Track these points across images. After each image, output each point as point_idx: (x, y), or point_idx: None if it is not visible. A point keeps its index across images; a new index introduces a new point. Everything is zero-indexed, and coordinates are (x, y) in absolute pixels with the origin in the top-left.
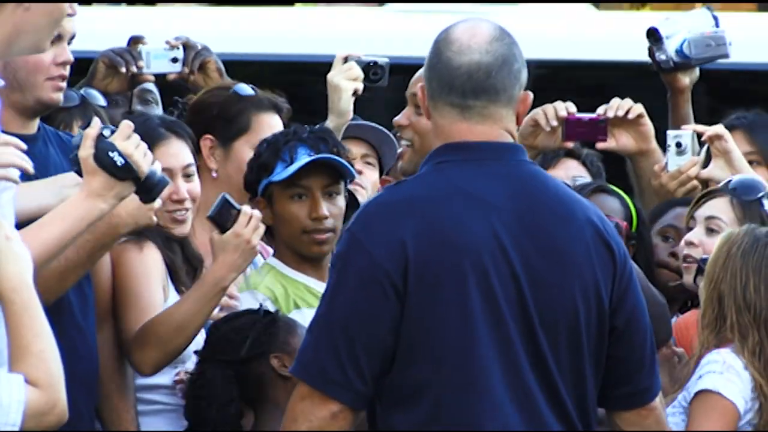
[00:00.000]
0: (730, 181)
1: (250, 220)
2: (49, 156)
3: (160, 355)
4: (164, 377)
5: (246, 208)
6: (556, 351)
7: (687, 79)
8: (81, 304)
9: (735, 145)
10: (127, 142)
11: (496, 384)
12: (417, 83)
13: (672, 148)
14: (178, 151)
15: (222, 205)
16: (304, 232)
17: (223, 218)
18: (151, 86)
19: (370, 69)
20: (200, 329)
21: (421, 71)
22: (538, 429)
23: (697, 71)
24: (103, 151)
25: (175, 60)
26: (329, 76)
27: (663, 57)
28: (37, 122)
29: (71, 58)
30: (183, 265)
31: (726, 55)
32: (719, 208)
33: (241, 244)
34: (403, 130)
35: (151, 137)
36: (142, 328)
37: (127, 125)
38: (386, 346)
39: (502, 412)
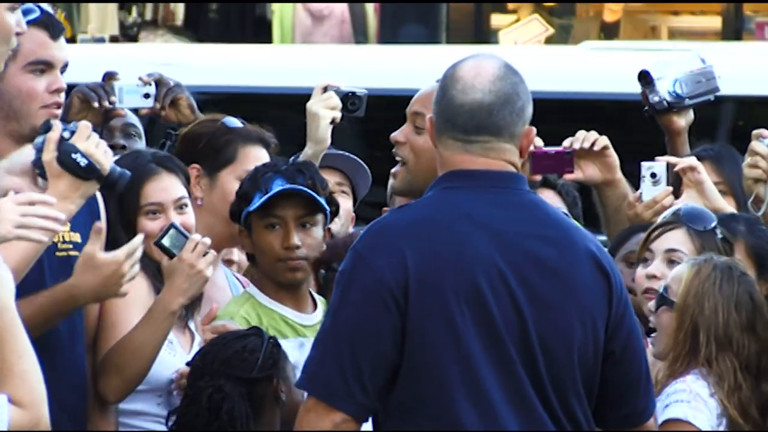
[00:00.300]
0: (678, 210)
1: (197, 247)
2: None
3: (122, 383)
4: (146, 404)
5: (194, 236)
6: (552, 370)
7: (683, 121)
8: (69, 333)
9: (707, 176)
10: (88, 142)
11: (498, 401)
12: (416, 102)
13: (647, 179)
14: (169, 186)
15: (169, 233)
16: (278, 261)
17: (171, 247)
18: (135, 120)
19: (348, 99)
20: (156, 354)
21: (422, 92)
22: None
23: (691, 113)
24: (65, 153)
25: (147, 96)
26: (308, 104)
27: (656, 99)
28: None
29: (64, 85)
30: None
31: (717, 89)
32: (678, 240)
33: (185, 268)
34: (399, 147)
35: (142, 172)
36: (103, 357)
37: (85, 126)
38: (388, 359)
39: (504, 428)
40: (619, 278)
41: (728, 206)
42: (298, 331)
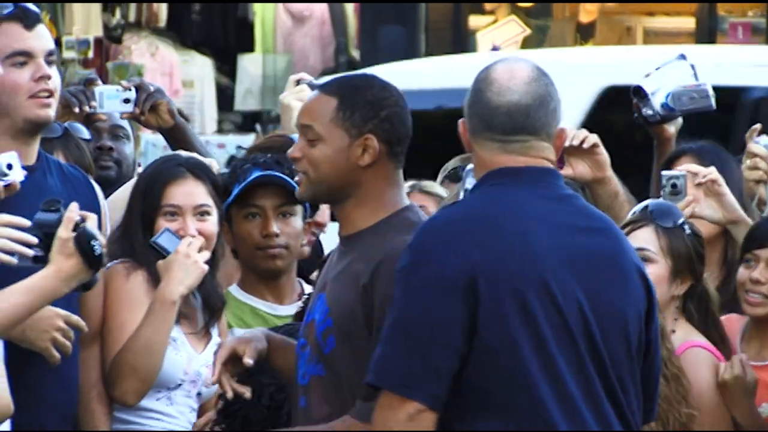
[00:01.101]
0: (647, 207)
1: (191, 243)
2: (46, 186)
3: (138, 383)
4: (146, 401)
5: (188, 237)
6: (613, 360)
7: (672, 128)
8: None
9: (728, 188)
10: (100, 232)
11: (576, 395)
12: (303, 115)
13: (667, 189)
14: (192, 191)
15: (163, 235)
16: (257, 249)
17: (165, 245)
18: (123, 122)
19: None
20: (164, 347)
21: (305, 104)
22: None
23: (680, 120)
24: (86, 237)
25: (127, 101)
26: (281, 96)
27: (650, 112)
28: (35, 150)
29: (49, 72)
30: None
31: (710, 107)
32: (645, 238)
33: (180, 259)
34: (297, 163)
35: (167, 174)
36: (113, 361)
37: (95, 217)
38: (457, 351)
39: (580, 419)
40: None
41: (747, 218)
42: (269, 323)
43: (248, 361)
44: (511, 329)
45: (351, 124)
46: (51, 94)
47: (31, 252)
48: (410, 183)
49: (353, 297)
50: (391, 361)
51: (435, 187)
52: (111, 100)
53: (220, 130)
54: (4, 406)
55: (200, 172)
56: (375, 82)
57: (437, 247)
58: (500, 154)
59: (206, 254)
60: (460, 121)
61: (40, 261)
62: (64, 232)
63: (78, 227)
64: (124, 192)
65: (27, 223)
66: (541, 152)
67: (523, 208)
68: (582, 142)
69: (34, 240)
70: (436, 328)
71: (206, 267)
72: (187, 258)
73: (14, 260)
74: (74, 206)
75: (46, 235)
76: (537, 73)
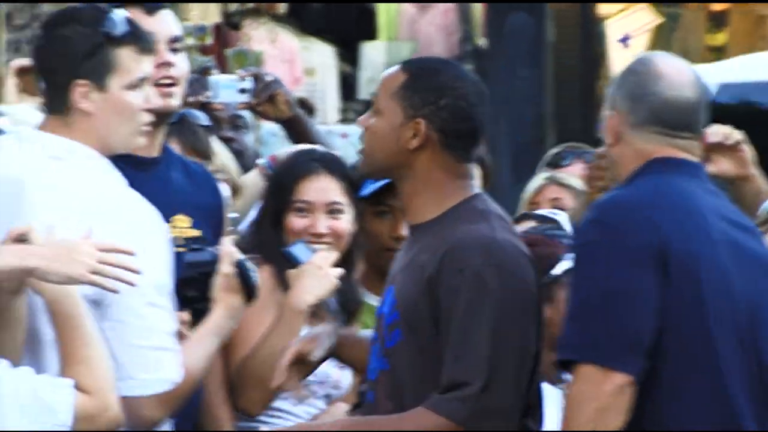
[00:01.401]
0: None
1: (326, 257)
2: (170, 180)
3: (264, 394)
4: None
5: (323, 252)
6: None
7: None
8: None
9: None
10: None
11: (737, 385)
12: (382, 87)
13: None
14: (325, 187)
15: (297, 245)
16: (386, 250)
17: (297, 255)
18: (243, 112)
19: None
20: None
21: (383, 76)
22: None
23: None
24: (245, 269)
25: (243, 90)
26: None
27: None
28: (159, 142)
29: (170, 59)
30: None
31: None
32: None
33: (312, 269)
34: (364, 134)
35: (300, 169)
36: (240, 369)
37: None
38: (654, 323)
39: (746, 410)
40: None
41: None
42: None
43: (315, 357)
44: (701, 310)
45: (409, 104)
46: (174, 82)
47: (135, 283)
48: (545, 175)
49: (418, 289)
50: (591, 334)
51: (571, 179)
52: (227, 90)
53: (344, 119)
54: (112, 416)
55: (335, 168)
56: (451, 69)
57: (625, 221)
58: (664, 146)
59: (339, 270)
60: (609, 112)
61: (197, 301)
62: (227, 268)
63: (236, 261)
64: (244, 183)
65: (131, 250)
66: (696, 149)
67: (694, 196)
68: (725, 138)
69: (137, 267)
70: (635, 300)
71: (337, 282)
72: (319, 270)
73: (119, 289)
74: (228, 241)
75: (201, 274)
76: (696, 73)
